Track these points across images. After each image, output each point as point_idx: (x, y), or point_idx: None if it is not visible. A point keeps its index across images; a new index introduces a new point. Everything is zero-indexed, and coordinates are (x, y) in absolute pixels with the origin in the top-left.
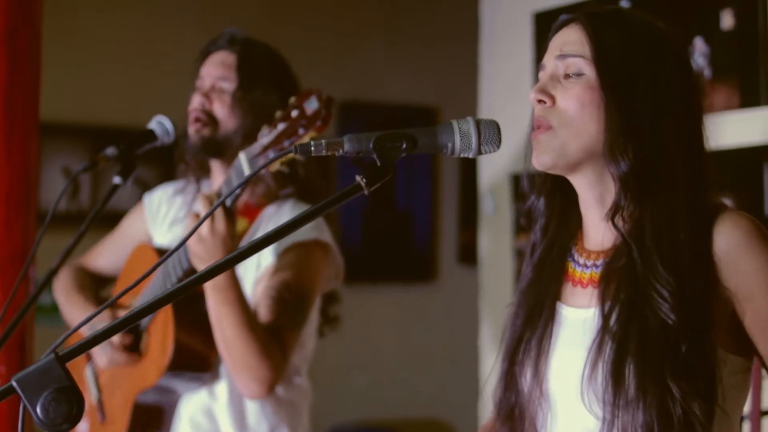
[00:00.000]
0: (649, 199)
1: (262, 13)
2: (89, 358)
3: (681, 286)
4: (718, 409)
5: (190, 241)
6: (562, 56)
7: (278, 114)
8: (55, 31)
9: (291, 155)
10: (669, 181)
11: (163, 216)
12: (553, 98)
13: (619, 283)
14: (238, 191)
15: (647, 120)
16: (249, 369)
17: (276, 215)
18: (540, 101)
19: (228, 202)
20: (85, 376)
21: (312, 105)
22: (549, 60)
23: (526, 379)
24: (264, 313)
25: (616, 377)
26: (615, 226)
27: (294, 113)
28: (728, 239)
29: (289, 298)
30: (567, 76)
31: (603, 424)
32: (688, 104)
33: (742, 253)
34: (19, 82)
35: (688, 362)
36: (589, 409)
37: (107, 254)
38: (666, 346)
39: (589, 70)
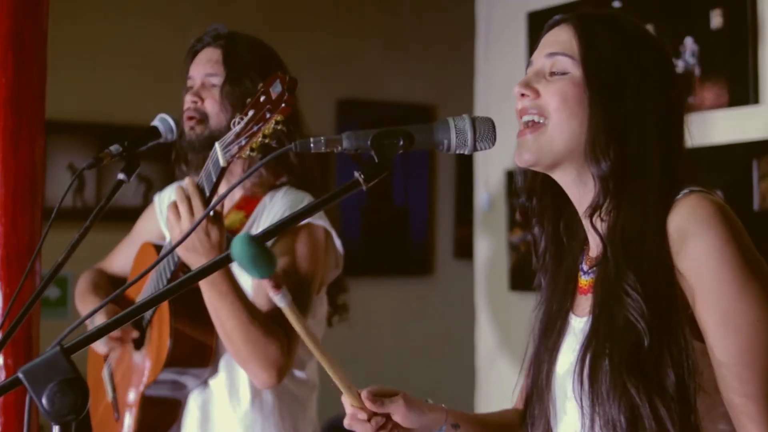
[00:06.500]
0: (625, 200)
1: (263, 14)
2: (106, 359)
3: (645, 288)
4: (700, 390)
5: (175, 236)
6: (551, 54)
7: (248, 101)
8: (61, 31)
9: (259, 140)
10: (646, 180)
11: None
12: (536, 91)
13: (600, 284)
14: (215, 181)
15: (631, 121)
16: (254, 359)
17: (269, 204)
18: (523, 95)
19: (206, 192)
20: (102, 377)
21: (277, 89)
22: (538, 57)
23: (541, 390)
24: (265, 303)
25: (593, 373)
26: (593, 226)
27: (262, 98)
28: (679, 219)
29: (289, 285)
30: (552, 73)
31: (584, 418)
32: (671, 106)
33: (690, 235)
34: (25, 81)
35: (650, 362)
36: (579, 404)
37: (123, 256)
38: (630, 345)
39: (574, 69)
